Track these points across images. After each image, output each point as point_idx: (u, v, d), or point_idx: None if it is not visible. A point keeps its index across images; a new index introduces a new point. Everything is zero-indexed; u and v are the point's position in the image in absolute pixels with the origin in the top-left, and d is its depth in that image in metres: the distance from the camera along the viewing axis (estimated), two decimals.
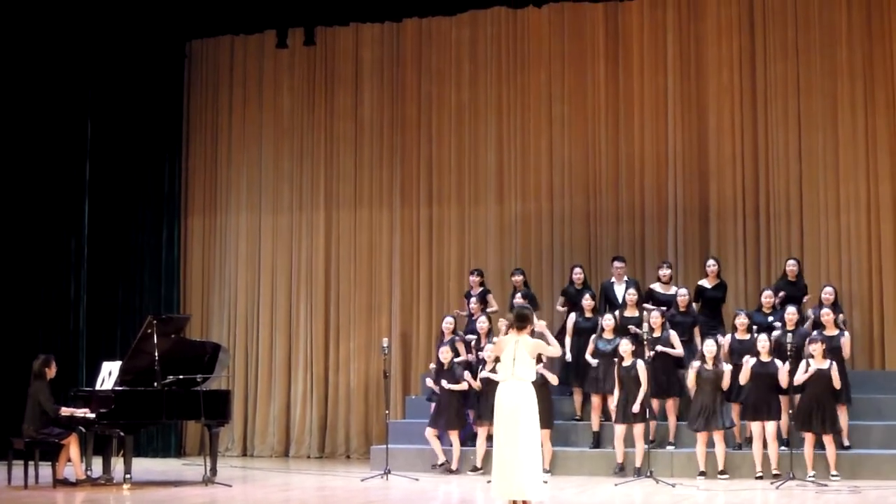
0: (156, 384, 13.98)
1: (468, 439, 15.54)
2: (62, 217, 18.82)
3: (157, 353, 14.00)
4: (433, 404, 15.63)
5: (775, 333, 14.64)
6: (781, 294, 15.45)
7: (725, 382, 14.24)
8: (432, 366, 15.82)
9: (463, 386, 15.38)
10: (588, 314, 15.81)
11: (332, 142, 19.03)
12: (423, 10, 18.54)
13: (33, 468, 13.94)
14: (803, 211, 16.96)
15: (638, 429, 14.49)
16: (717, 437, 14.23)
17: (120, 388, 13.96)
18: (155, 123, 19.10)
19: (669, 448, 14.96)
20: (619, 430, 14.66)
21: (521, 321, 11.49)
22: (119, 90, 19.09)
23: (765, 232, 17.09)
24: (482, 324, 16.01)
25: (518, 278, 16.77)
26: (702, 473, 14.26)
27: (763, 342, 14.20)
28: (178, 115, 19.36)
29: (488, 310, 16.45)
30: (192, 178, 19.47)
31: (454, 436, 15.37)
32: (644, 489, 13.49)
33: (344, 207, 18.88)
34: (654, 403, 14.84)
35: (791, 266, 15.79)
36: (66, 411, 14.07)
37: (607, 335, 15.18)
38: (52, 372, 14.34)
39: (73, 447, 14.04)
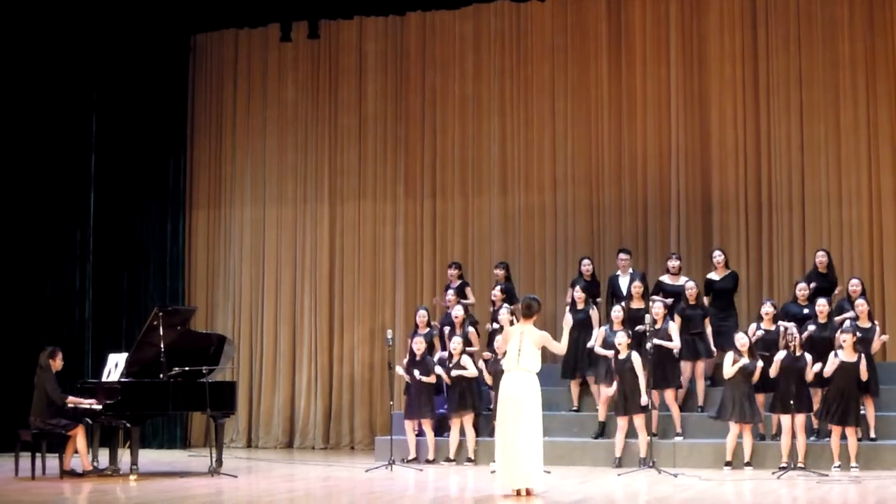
0: (162, 376, 14.05)
1: (442, 430, 15.82)
2: (68, 210, 18.88)
3: (162, 345, 14.07)
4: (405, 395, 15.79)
5: (811, 327, 14.70)
6: (813, 285, 15.48)
7: (756, 374, 14.30)
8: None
9: (432, 379, 15.53)
10: (580, 306, 15.87)
11: (336, 135, 19.10)
12: (426, 3, 18.60)
13: (40, 459, 14.02)
14: (805, 202, 17.02)
15: (639, 420, 14.57)
16: (746, 428, 14.30)
17: (126, 380, 14.02)
18: (160, 117, 19.19)
19: (677, 438, 15.03)
20: (622, 422, 14.74)
21: (527, 310, 11.66)
22: (124, 84, 19.16)
23: (767, 223, 17.15)
24: (457, 313, 16.11)
25: (500, 272, 16.90)
26: (728, 464, 14.33)
27: (796, 335, 14.16)
28: (183, 108, 19.44)
29: (464, 301, 16.53)
30: (196, 171, 19.55)
31: (427, 425, 15.54)
32: (646, 479, 13.56)
33: (348, 200, 18.96)
34: (654, 395, 14.90)
35: (821, 257, 15.77)
36: (72, 401, 14.15)
37: (616, 327, 15.21)
38: (57, 364, 14.41)
39: (79, 438, 14.11)
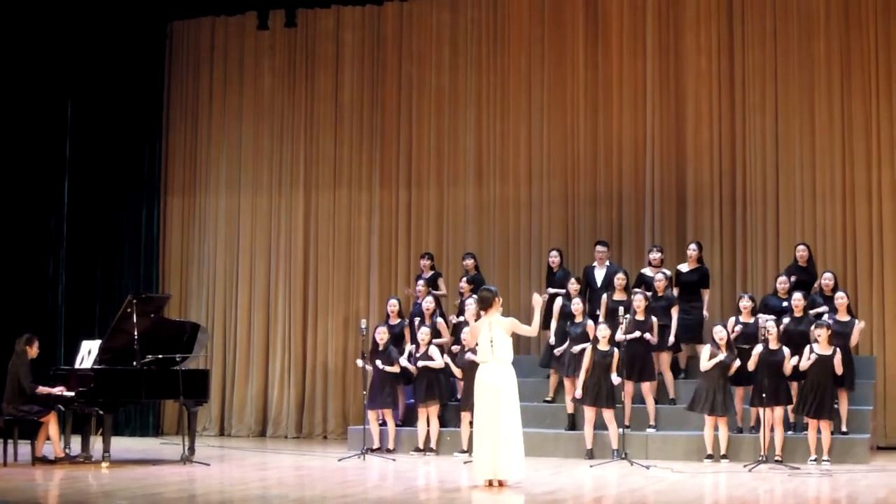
0: (135, 363, 14.05)
1: (407, 420, 15.92)
2: (42, 196, 18.84)
3: (136, 333, 14.08)
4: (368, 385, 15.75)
5: (786, 320, 14.77)
6: (793, 279, 15.54)
7: (732, 368, 14.35)
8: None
9: (395, 369, 15.55)
10: (575, 298, 15.89)
11: (311, 123, 19.08)
12: None
13: (12, 446, 13.99)
14: (779, 197, 17.08)
15: (608, 413, 14.62)
16: (721, 421, 14.35)
17: (99, 367, 14.03)
18: (135, 103, 19.13)
19: (649, 430, 15.09)
20: (590, 413, 14.78)
21: (483, 303, 11.77)
22: (100, 70, 19.11)
23: (741, 217, 17.20)
24: (428, 304, 16.12)
25: (469, 262, 16.96)
26: (709, 456, 14.37)
27: (772, 329, 14.24)
28: (159, 95, 19.38)
29: (435, 293, 16.52)
30: (171, 158, 19.50)
31: (388, 416, 15.58)
32: (619, 471, 13.62)
33: (323, 189, 18.94)
34: (629, 387, 14.96)
35: (801, 251, 15.83)
36: (42, 390, 14.13)
37: (578, 319, 15.30)
38: (33, 351, 14.39)
39: (52, 425, 14.11)
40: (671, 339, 15.45)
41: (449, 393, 15.72)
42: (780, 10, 17.25)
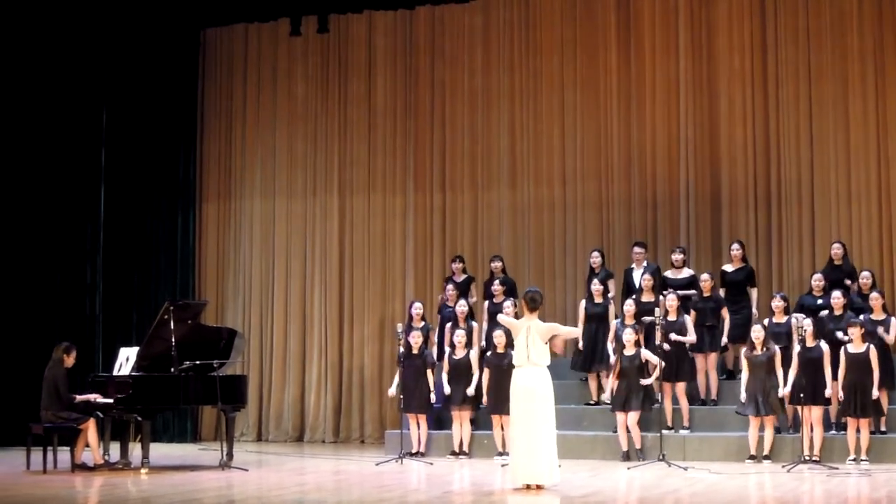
0: (173, 370, 14.10)
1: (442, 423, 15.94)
2: (78, 204, 18.93)
3: (173, 339, 14.12)
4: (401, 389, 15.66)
5: (825, 319, 14.70)
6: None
7: (776, 366, 14.27)
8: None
9: (430, 375, 15.51)
10: (598, 300, 15.85)
11: (345, 128, 19.12)
12: None
13: (52, 453, 14.06)
14: (814, 195, 17.00)
15: (634, 415, 14.60)
16: (767, 421, 14.31)
17: (137, 374, 14.10)
18: (170, 111, 19.23)
19: (683, 432, 15.05)
20: (621, 418, 14.76)
21: (532, 303, 11.71)
22: (134, 78, 19.21)
23: (776, 217, 17.14)
24: (462, 308, 16.04)
25: (497, 265, 16.92)
26: (752, 457, 14.33)
27: (808, 326, 14.19)
28: (193, 102, 19.47)
29: (463, 306, 16.15)
30: (206, 165, 19.58)
31: (422, 420, 15.59)
32: (656, 472, 13.58)
33: (358, 193, 18.98)
34: (666, 387, 14.92)
35: (836, 249, 15.75)
36: (81, 398, 14.21)
37: (628, 321, 15.16)
38: (71, 360, 14.44)
39: (91, 432, 14.16)
40: (724, 339, 15.44)
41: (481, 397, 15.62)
42: (812, 6, 17.19)
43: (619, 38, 17.98)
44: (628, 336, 14.67)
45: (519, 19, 18.44)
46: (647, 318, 14.89)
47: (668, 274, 16.12)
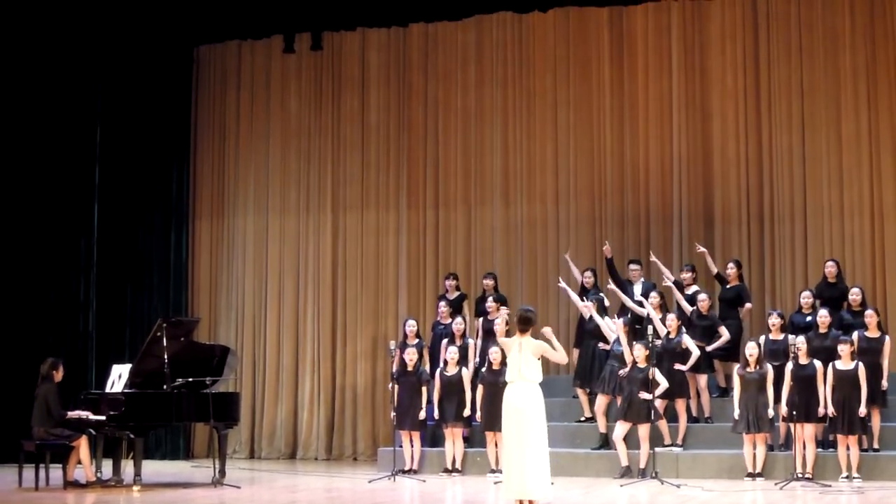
0: (165, 387, 14.09)
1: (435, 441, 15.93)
2: (72, 220, 18.92)
3: (166, 356, 14.12)
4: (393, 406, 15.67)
5: (809, 336, 14.69)
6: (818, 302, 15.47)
7: (767, 384, 14.28)
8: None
9: (424, 392, 15.52)
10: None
11: (338, 145, 19.13)
12: (429, 14, 18.63)
13: (44, 470, 14.03)
14: (807, 213, 17.04)
15: (643, 429, 14.60)
16: (759, 439, 14.31)
17: (130, 391, 14.08)
18: (163, 128, 19.23)
19: (675, 449, 15.05)
20: (622, 428, 14.77)
21: (523, 324, 11.62)
22: (128, 95, 19.21)
23: (769, 234, 17.17)
24: (458, 325, 16.08)
25: (489, 282, 16.92)
26: (749, 475, 14.30)
27: (801, 344, 14.22)
28: (186, 119, 19.48)
29: (459, 323, 16.22)
30: (199, 182, 19.58)
31: (416, 437, 15.56)
32: (649, 490, 13.58)
33: (351, 210, 18.98)
34: (661, 404, 14.92)
35: (829, 267, 15.76)
36: (72, 415, 14.20)
37: (623, 338, 15.19)
38: (59, 375, 14.43)
39: (83, 449, 14.13)
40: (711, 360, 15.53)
41: (474, 414, 15.62)
42: (805, 24, 17.23)
43: (612, 56, 18.02)
44: (638, 353, 14.66)
45: (512, 37, 18.47)
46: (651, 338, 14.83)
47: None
